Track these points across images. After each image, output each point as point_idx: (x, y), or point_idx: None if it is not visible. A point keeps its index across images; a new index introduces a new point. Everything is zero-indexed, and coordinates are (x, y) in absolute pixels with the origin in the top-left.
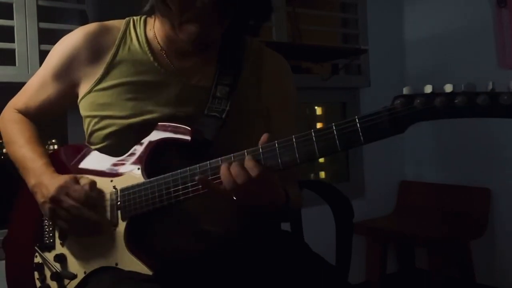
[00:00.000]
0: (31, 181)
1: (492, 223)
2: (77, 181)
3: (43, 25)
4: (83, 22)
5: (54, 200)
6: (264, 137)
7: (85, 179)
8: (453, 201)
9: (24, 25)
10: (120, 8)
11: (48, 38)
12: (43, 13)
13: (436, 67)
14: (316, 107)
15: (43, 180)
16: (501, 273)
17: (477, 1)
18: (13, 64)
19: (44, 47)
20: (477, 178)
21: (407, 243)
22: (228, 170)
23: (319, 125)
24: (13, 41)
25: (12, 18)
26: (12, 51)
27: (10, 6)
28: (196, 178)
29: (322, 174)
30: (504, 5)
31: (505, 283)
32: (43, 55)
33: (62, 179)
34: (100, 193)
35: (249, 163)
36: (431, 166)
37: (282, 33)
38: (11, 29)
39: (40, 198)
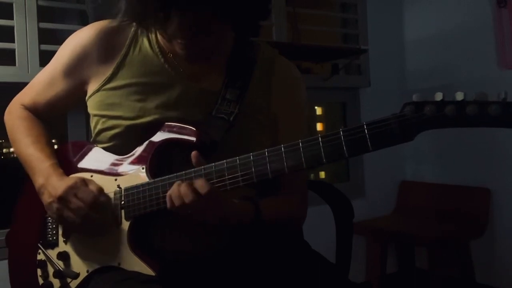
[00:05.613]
0: (38, 180)
1: (492, 223)
2: (85, 183)
3: (43, 25)
4: (83, 22)
5: (62, 200)
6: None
7: (93, 184)
8: (453, 201)
9: (24, 25)
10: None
11: (48, 38)
12: (43, 13)
13: (436, 67)
14: (316, 107)
15: (51, 181)
16: (501, 273)
17: (477, 1)
18: (13, 64)
19: (44, 47)
20: (477, 178)
21: (407, 243)
22: (178, 190)
23: (319, 125)
24: (13, 41)
25: (12, 18)
26: (12, 51)
27: (10, 6)
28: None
29: (322, 174)
30: (504, 5)
31: (505, 283)
32: (43, 55)
33: (71, 179)
34: (108, 198)
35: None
36: (431, 166)
37: (282, 33)
38: (11, 29)
39: (47, 198)
